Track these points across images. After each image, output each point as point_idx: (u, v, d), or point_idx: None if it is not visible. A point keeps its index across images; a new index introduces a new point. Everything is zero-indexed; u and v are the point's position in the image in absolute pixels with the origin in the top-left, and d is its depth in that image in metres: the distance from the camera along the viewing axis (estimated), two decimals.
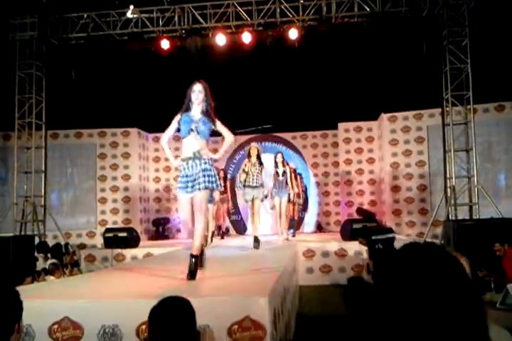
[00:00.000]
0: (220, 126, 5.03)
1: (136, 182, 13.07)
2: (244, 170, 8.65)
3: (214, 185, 4.79)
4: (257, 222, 8.53)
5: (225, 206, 11.83)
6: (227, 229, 13.69)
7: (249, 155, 8.70)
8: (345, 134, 13.36)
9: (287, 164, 10.19)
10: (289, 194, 9.93)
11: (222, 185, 10.81)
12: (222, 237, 11.82)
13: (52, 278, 7.47)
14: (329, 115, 12.77)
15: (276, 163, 9.88)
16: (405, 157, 12.06)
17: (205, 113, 4.91)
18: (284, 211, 9.84)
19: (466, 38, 10.13)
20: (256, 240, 8.14)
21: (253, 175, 8.46)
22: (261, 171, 8.56)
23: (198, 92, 4.91)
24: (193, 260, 4.70)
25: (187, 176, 4.78)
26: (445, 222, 9.65)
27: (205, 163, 4.79)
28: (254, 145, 8.87)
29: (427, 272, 1.08)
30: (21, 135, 11.37)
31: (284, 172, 9.77)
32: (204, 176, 4.71)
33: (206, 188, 4.71)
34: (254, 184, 8.45)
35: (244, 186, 8.57)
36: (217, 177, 4.87)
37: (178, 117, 4.97)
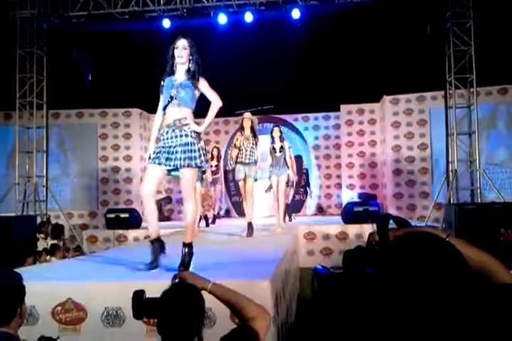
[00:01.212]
0: (204, 88, 4.21)
1: (137, 163, 13.05)
2: (235, 145, 7.66)
3: (197, 161, 4.07)
4: (250, 205, 7.60)
5: (218, 187, 10.87)
6: (228, 211, 13.72)
7: (241, 128, 7.74)
8: (347, 116, 13.31)
9: (284, 140, 8.96)
10: (288, 173, 8.65)
11: (215, 164, 10.09)
12: (213, 222, 10.71)
13: (54, 259, 7.51)
14: (331, 97, 12.69)
15: (272, 137, 8.67)
16: (407, 140, 12.03)
17: (190, 74, 4.18)
18: (282, 192, 8.55)
19: (470, 20, 10.02)
20: (250, 226, 7.45)
21: (246, 150, 7.52)
22: (255, 145, 7.60)
23: (181, 49, 4.20)
24: (187, 250, 4.17)
25: (163, 147, 4.11)
26: (447, 205, 9.67)
27: (187, 135, 4.08)
28: (247, 115, 7.78)
29: (428, 261, 1.10)
30: (22, 114, 11.33)
31: (282, 148, 8.54)
32: (184, 152, 4.03)
33: (189, 166, 4.05)
34: (247, 160, 7.51)
35: (236, 163, 7.63)
36: (202, 152, 4.13)
37: (162, 83, 4.27)
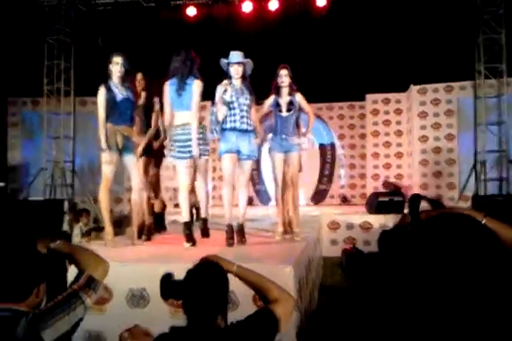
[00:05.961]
0: None
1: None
2: (223, 101, 4.73)
3: None
4: (244, 199, 4.96)
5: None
6: (250, 199, 13.58)
7: (227, 77, 4.88)
8: (373, 106, 13.15)
9: (297, 90, 5.35)
10: (301, 145, 5.30)
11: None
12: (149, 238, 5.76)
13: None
14: (357, 86, 12.51)
15: (278, 87, 5.25)
16: (434, 130, 11.82)
17: None
18: (296, 179, 5.31)
19: (502, 8, 9.79)
20: (240, 231, 4.83)
21: (241, 110, 4.77)
22: (251, 105, 4.89)
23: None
24: None
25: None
26: (474, 197, 9.52)
27: None
28: (237, 56, 4.96)
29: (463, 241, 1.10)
30: (50, 101, 11.48)
31: (292, 105, 5.22)
32: None
33: None
34: (245, 126, 4.78)
35: (224, 129, 4.81)
36: None
37: None
